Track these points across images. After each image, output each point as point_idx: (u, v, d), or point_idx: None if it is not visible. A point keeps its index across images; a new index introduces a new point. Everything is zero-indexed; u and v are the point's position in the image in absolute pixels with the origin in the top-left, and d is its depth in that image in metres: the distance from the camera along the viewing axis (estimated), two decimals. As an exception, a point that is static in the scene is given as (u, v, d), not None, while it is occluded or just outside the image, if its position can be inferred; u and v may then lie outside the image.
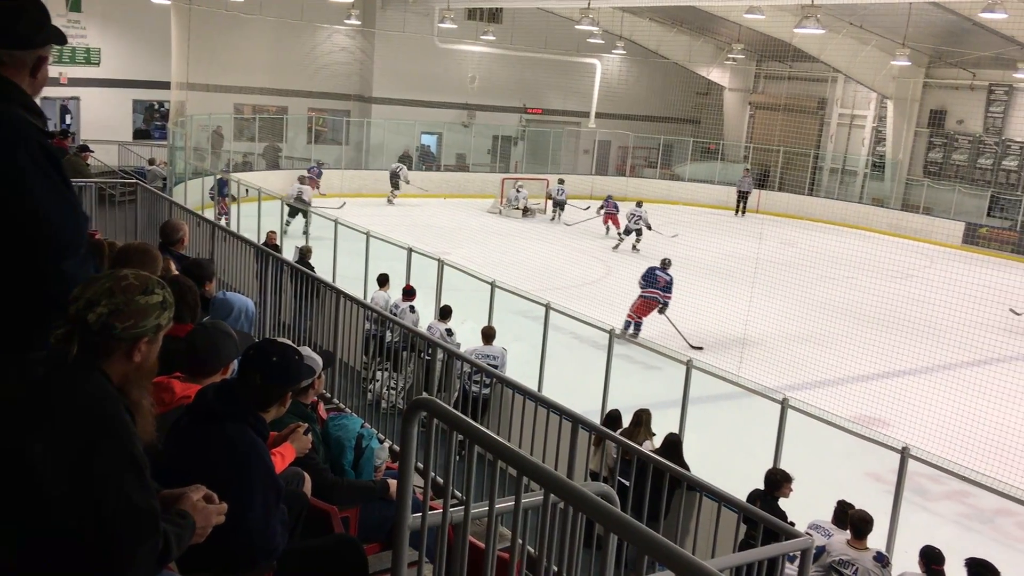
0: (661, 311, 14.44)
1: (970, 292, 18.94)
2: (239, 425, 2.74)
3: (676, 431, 7.80)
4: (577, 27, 24.93)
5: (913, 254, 23.60)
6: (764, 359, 12.70)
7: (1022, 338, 15.51)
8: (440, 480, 3.06)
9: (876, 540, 6.00)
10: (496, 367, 9.03)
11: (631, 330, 14.30)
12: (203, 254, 9.53)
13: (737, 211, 28.44)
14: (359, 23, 27.72)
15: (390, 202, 26.62)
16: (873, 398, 11.84)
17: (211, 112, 25.62)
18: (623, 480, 5.53)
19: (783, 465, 7.01)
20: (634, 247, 21.83)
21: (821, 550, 5.86)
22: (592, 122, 32.98)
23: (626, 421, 8.00)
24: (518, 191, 26.71)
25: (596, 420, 7.97)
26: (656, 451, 6.71)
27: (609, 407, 8.62)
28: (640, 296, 14.60)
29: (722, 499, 4.02)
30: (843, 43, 27.35)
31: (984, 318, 15.96)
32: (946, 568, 5.59)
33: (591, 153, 33.65)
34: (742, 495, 6.45)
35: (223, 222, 18.40)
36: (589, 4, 22.00)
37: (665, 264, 14.89)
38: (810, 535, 5.98)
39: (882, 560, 5.68)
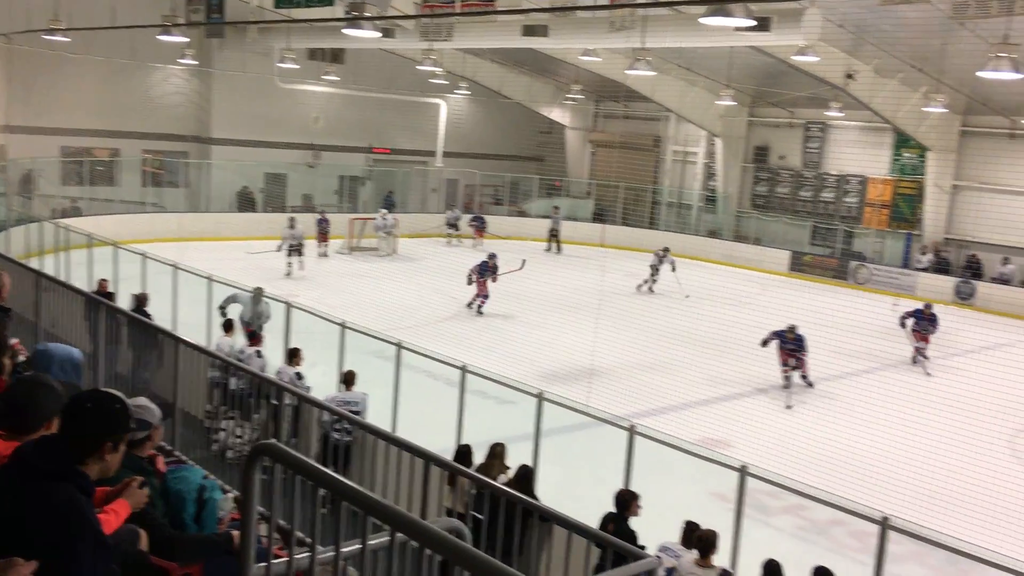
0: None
1: (798, 316, 20.20)
2: (58, 482, 2.57)
3: (530, 463, 7.87)
4: (420, 68, 25.16)
5: (746, 282, 24.93)
6: (612, 388, 13.05)
7: (846, 358, 16.61)
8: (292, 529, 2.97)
9: (722, 557, 6.25)
10: (358, 413, 8.86)
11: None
12: (27, 305, 8.94)
13: (549, 248, 28.85)
14: (195, 63, 26.94)
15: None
16: (716, 421, 12.37)
17: (35, 156, 24.17)
18: (479, 515, 5.53)
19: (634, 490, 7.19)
20: (650, 288, 23.22)
21: (671, 572, 6.04)
22: (439, 161, 33.26)
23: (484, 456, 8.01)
24: (387, 229, 26.69)
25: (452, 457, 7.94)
26: (509, 483, 6.76)
27: (465, 443, 8.61)
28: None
29: (572, 526, 4.10)
30: (673, 84, 28.85)
31: (811, 340, 17.01)
32: (787, 577, 5.88)
33: (439, 191, 33.89)
34: (596, 521, 6.59)
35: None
36: (431, 46, 22.26)
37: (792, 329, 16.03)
38: (659, 557, 6.17)
39: (727, 577, 5.93)
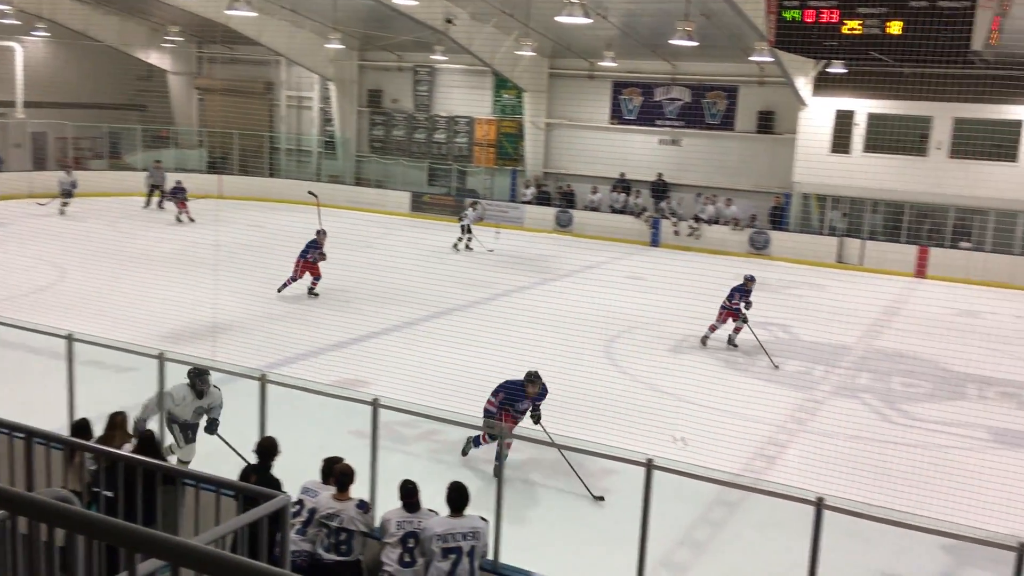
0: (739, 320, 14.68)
1: (421, 253, 21.10)
2: None
3: (157, 429, 7.46)
4: (-17, 5, 21.89)
5: (371, 224, 25.43)
6: (241, 341, 12.72)
7: (467, 288, 17.69)
8: None
9: (362, 488, 6.44)
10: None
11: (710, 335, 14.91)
12: None
13: (148, 204, 26.97)
14: None
15: None
16: (354, 362, 12.60)
17: None
18: (105, 492, 5.16)
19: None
20: (467, 246, 22.70)
21: (314, 510, 6.12)
22: (20, 112, 29.44)
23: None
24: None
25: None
26: (135, 451, 6.36)
27: (82, 417, 7.91)
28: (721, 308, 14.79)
29: (197, 480, 3.98)
30: (280, 27, 28.10)
31: (436, 275, 17.91)
32: (425, 495, 6.22)
33: (24, 147, 30.01)
34: (237, 474, 6.45)
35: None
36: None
37: (747, 280, 14.85)
38: (300, 500, 6.22)
39: (364, 507, 6.15)
